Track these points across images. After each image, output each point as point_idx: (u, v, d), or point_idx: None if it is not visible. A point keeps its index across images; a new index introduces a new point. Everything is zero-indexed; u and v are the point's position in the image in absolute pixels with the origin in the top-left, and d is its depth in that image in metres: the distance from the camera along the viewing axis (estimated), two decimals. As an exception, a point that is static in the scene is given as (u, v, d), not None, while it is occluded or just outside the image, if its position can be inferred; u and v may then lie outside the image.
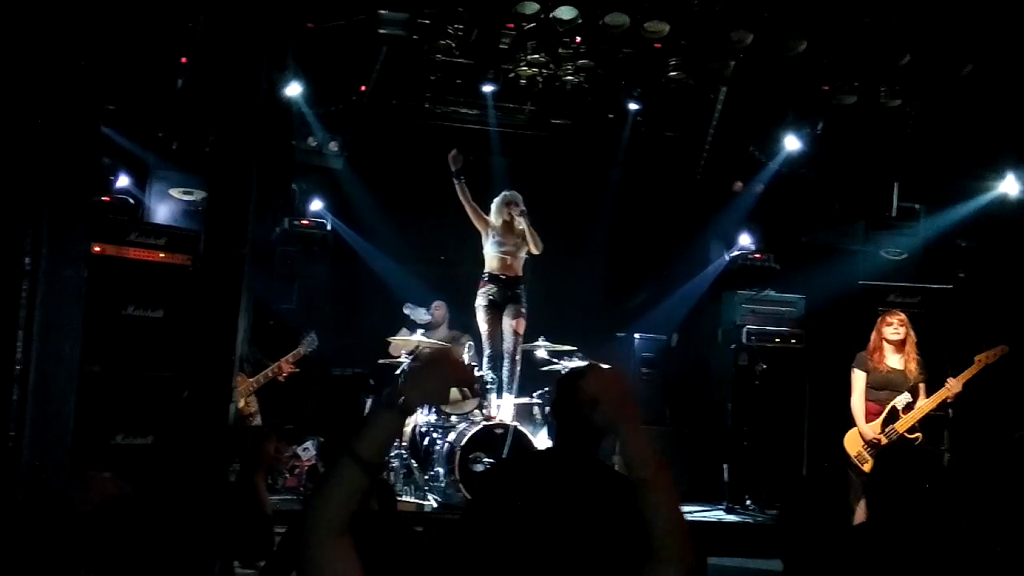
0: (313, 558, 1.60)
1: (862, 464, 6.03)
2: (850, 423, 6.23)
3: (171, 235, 6.14)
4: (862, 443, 6.06)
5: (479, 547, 2.71)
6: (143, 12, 6.18)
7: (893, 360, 6.17)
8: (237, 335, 4.07)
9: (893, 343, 6.15)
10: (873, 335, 6.25)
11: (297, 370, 6.51)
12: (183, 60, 6.73)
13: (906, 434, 5.97)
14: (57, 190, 2.45)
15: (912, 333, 6.20)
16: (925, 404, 6.02)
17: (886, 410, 6.03)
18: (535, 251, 7.28)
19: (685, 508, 7.50)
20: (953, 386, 6.01)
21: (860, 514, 5.16)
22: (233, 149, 4.44)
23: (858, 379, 6.19)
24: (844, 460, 6.16)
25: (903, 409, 6.00)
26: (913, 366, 6.14)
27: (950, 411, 6.44)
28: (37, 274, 2.38)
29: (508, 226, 7.33)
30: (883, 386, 6.12)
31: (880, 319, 6.27)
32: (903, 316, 6.24)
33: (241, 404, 5.99)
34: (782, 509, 2.93)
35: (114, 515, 2.47)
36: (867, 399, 6.13)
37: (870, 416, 6.08)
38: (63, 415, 2.52)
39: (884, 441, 5.97)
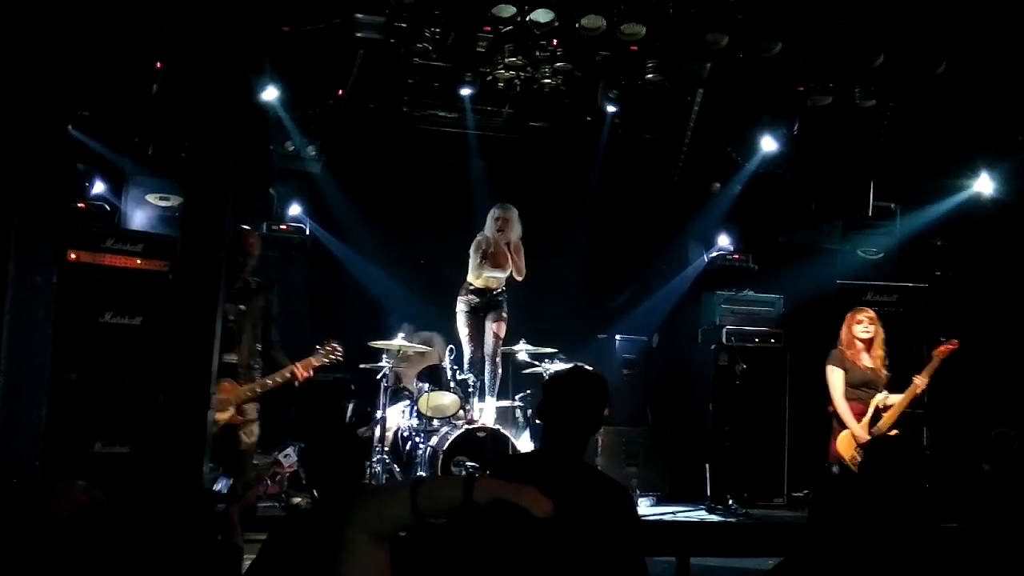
0: (350, 554, 1.54)
1: (855, 467, 5.91)
2: (829, 423, 6.22)
3: (148, 241, 6.09)
4: (855, 445, 5.99)
5: (469, 550, 2.71)
6: (117, 17, 6.15)
7: (865, 357, 6.17)
8: (214, 341, 4.03)
9: (864, 341, 6.16)
10: (844, 332, 6.23)
11: (309, 374, 5.98)
12: (158, 65, 6.70)
13: (888, 432, 5.93)
14: (26, 197, 2.43)
15: (880, 330, 6.20)
16: (900, 403, 6.02)
17: (871, 409, 6.01)
18: (517, 277, 7.33)
19: (668, 508, 7.57)
20: (920, 383, 6.01)
21: None
22: (209, 154, 4.41)
23: (837, 377, 6.11)
24: (833, 462, 6.12)
25: (884, 408, 6.00)
26: (881, 363, 6.16)
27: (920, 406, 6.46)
28: (6, 281, 2.35)
29: (499, 239, 7.30)
30: (861, 384, 6.09)
31: (850, 316, 6.26)
32: (872, 313, 6.23)
33: (229, 414, 5.63)
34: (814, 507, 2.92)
35: (88, 523, 2.45)
36: (848, 398, 6.08)
37: (856, 416, 6.03)
38: (33, 422, 2.49)
39: None
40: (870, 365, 6.14)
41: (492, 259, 7.31)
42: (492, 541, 2.32)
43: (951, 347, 6.14)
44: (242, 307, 5.67)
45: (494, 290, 7.37)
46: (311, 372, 5.91)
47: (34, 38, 2.62)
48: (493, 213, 7.38)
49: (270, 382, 5.74)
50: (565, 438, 2.86)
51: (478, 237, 7.41)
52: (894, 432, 5.97)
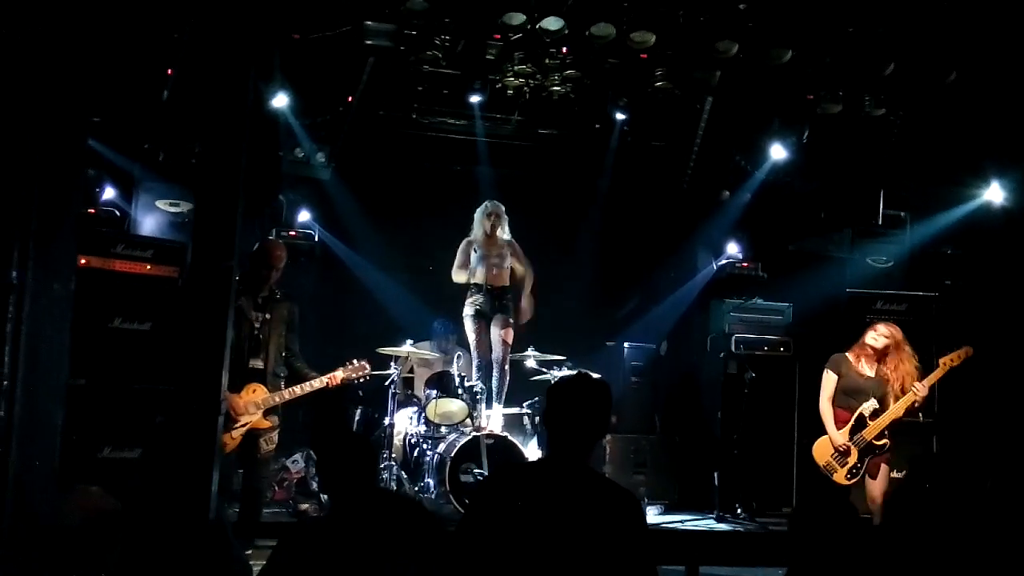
0: None
1: (832, 474, 5.98)
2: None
3: (158, 247, 6.13)
4: (831, 451, 6.01)
5: (477, 558, 2.72)
6: (129, 24, 6.18)
7: (866, 367, 6.13)
8: (225, 348, 4.04)
9: (874, 349, 6.10)
10: (860, 340, 6.20)
11: (339, 381, 5.88)
12: (169, 72, 6.72)
13: (874, 441, 5.92)
14: (44, 205, 2.44)
15: (907, 347, 6.06)
16: (892, 410, 5.94)
17: (854, 416, 5.99)
18: (523, 274, 7.38)
19: (676, 517, 7.55)
20: (920, 390, 5.93)
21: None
22: (220, 160, 4.42)
23: (828, 381, 6.11)
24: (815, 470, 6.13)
25: (870, 416, 5.95)
26: (895, 377, 6.02)
27: (921, 416, 6.39)
28: (24, 289, 2.36)
29: (491, 238, 7.35)
30: (854, 392, 6.05)
31: (872, 324, 6.23)
32: (893, 329, 6.10)
33: (256, 417, 5.59)
34: (793, 517, 2.91)
35: (102, 528, 2.46)
36: (838, 404, 6.07)
37: (839, 423, 6.02)
38: (50, 429, 2.50)
39: (853, 449, 5.96)
40: (870, 374, 6.10)
41: (487, 244, 7.34)
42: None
43: (962, 355, 6.05)
44: (268, 316, 5.72)
45: (499, 285, 7.35)
46: (338, 382, 5.86)
47: (50, 48, 2.63)
48: (485, 209, 7.39)
49: (298, 390, 5.74)
50: (570, 445, 2.84)
51: (468, 238, 7.42)
52: (885, 442, 5.94)
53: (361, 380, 6.05)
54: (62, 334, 2.51)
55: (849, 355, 6.15)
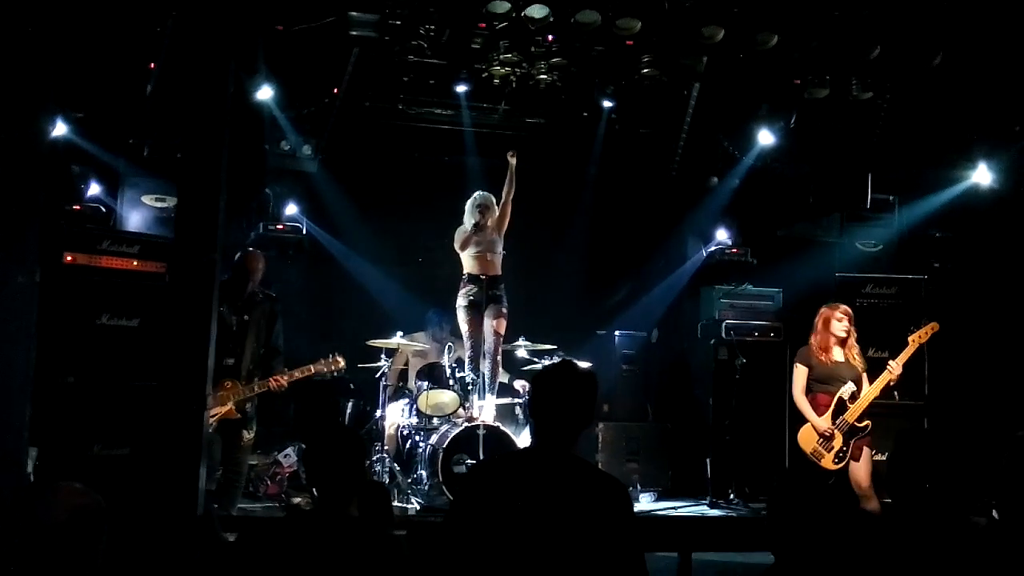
0: None
1: (819, 460, 6.05)
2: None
3: (144, 243, 6.08)
4: (816, 438, 6.09)
5: (464, 548, 2.71)
6: (110, 18, 6.13)
7: (836, 352, 6.21)
8: (209, 343, 4.01)
9: (840, 338, 6.19)
10: (820, 327, 6.25)
11: (284, 384, 6.18)
12: (152, 65, 6.68)
13: (856, 423, 6.03)
14: (7, 197, 2.41)
15: (853, 327, 6.24)
16: (870, 391, 6.07)
17: (834, 401, 6.07)
18: (505, 194, 7.31)
19: (669, 504, 7.56)
20: (894, 369, 6.06)
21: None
22: (203, 154, 4.39)
23: (799, 374, 6.23)
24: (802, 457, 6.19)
25: (849, 399, 6.05)
26: (855, 357, 6.19)
27: (897, 395, 6.46)
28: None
29: (481, 228, 7.30)
30: (830, 378, 6.15)
31: (827, 311, 6.27)
32: (847, 309, 6.27)
33: (227, 408, 6.01)
34: (771, 502, 2.90)
35: (86, 526, 2.44)
36: (816, 392, 6.17)
37: (822, 408, 6.12)
38: (15, 422, 2.47)
39: (837, 433, 6.03)
40: (840, 359, 6.20)
41: (476, 238, 7.27)
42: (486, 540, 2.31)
43: (929, 331, 6.19)
44: (246, 317, 6.15)
45: (492, 275, 7.30)
46: (285, 382, 6.20)
47: (15, 39, 2.59)
48: (474, 200, 7.34)
49: (258, 387, 6.15)
50: (555, 434, 2.83)
51: (462, 227, 7.37)
52: (866, 423, 6.04)
53: (335, 375, 6.51)
54: (28, 326, 2.48)
55: (814, 345, 6.24)
